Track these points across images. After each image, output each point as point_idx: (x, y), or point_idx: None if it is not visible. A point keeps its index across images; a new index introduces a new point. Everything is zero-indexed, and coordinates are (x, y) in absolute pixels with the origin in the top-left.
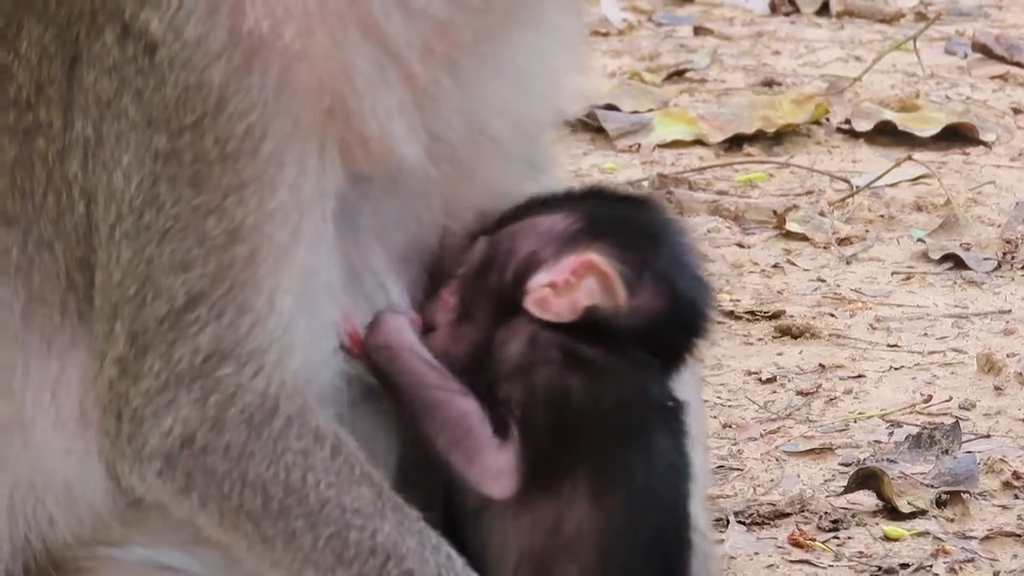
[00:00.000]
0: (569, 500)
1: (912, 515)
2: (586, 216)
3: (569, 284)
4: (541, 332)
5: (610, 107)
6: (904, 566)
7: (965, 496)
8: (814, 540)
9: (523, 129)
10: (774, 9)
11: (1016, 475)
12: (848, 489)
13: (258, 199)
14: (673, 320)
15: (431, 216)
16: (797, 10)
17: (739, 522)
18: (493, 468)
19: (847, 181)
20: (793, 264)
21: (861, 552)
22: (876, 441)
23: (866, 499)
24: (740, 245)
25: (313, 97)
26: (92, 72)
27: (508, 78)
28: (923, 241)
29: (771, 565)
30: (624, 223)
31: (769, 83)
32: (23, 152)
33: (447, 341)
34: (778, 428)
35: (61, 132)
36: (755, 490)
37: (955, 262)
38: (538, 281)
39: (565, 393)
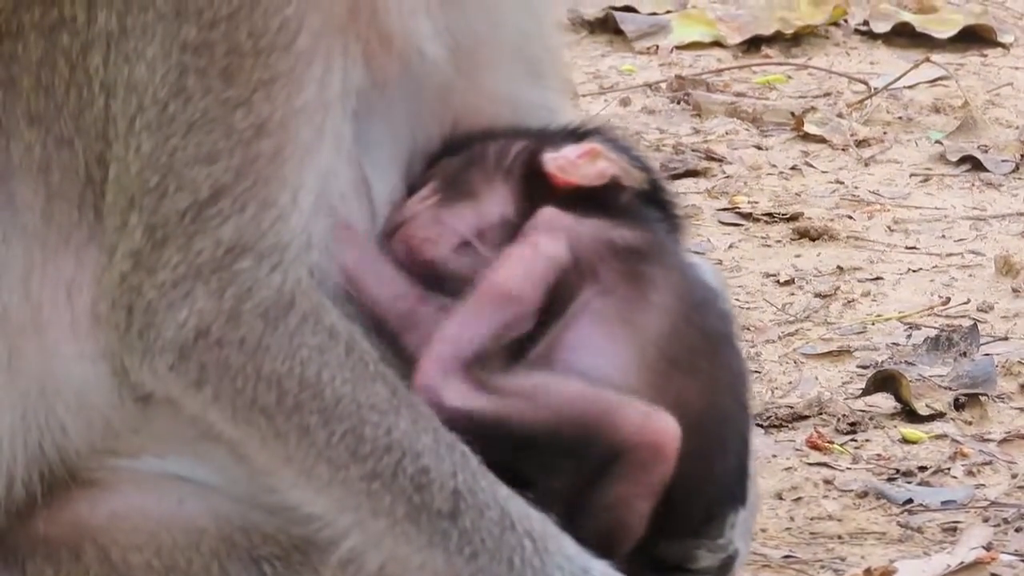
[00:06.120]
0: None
1: (930, 418)
2: (557, 128)
3: (580, 164)
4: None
5: (628, 9)
6: (922, 468)
7: (983, 398)
8: (832, 443)
9: (537, 35)
10: None
11: None
12: (866, 392)
13: (286, 94)
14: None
15: (439, 124)
16: None
17: (757, 425)
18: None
19: (865, 83)
20: (811, 166)
21: (879, 455)
22: (894, 343)
23: (884, 402)
24: (758, 147)
25: None
26: None
27: None
28: (941, 143)
29: (789, 468)
30: (597, 129)
31: None
32: (47, 49)
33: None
34: (796, 330)
35: (85, 26)
36: (773, 393)
37: (973, 164)
38: (551, 155)
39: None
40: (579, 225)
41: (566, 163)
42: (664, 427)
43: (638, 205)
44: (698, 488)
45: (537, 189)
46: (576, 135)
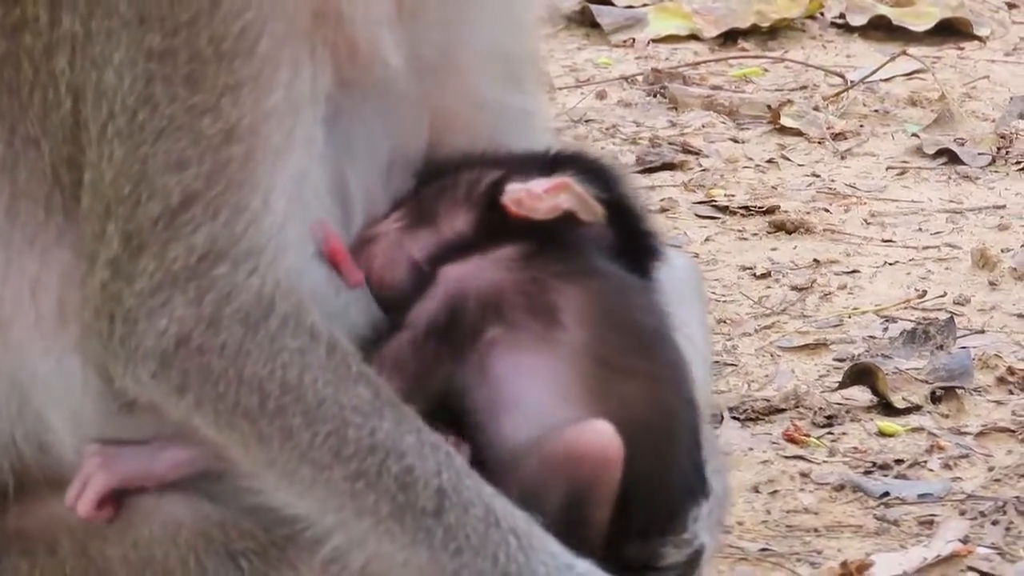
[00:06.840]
0: None
1: (907, 411)
2: (536, 154)
3: (542, 198)
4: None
5: (605, 2)
6: (899, 462)
7: (960, 392)
8: (808, 436)
9: (515, 38)
10: None
11: (1010, 370)
12: (843, 385)
13: (254, 99)
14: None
15: (416, 126)
16: None
17: (734, 418)
18: None
19: (841, 76)
20: (787, 159)
21: (855, 448)
22: (871, 336)
23: (860, 395)
24: (734, 140)
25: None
26: None
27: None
28: (917, 136)
29: (766, 461)
30: (575, 157)
31: None
32: (11, 49)
33: (393, 248)
34: (772, 323)
35: (48, 28)
36: (749, 386)
37: (949, 157)
38: (513, 186)
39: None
40: (483, 269)
41: (525, 196)
42: (598, 433)
43: (590, 238)
44: (656, 486)
45: (497, 218)
46: (552, 164)
